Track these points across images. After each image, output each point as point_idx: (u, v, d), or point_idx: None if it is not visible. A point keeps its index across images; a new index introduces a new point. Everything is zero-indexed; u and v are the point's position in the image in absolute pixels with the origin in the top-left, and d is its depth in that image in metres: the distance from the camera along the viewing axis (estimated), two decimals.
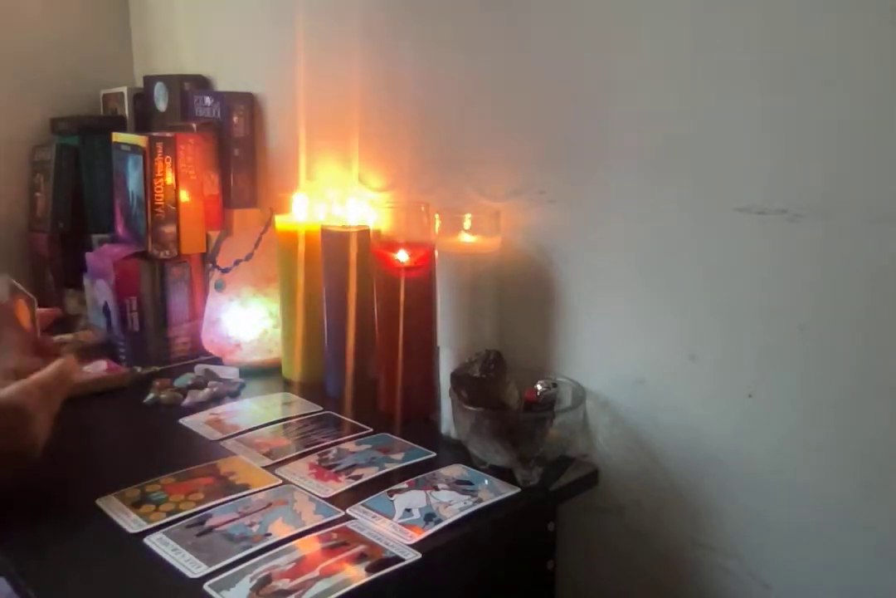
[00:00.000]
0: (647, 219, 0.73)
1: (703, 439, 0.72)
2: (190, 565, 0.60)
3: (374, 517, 0.67)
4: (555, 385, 0.74)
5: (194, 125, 1.13)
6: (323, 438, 0.83)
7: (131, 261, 1.05)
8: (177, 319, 1.08)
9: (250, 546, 0.62)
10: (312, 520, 0.67)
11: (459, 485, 0.73)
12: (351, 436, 0.83)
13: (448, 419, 0.81)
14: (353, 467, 0.76)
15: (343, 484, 0.73)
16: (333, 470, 0.75)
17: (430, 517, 0.67)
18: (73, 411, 0.81)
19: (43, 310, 0.91)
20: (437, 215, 0.82)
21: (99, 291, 1.08)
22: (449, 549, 0.64)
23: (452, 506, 0.69)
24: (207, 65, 1.25)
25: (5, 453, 0.65)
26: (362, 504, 0.69)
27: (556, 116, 0.78)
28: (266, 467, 0.76)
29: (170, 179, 1.05)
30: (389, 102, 0.96)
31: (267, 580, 0.58)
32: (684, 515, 0.74)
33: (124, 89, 1.30)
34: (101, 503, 0.69)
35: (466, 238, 0.81)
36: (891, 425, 0.61)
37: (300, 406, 0.92)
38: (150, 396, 0.94)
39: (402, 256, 0.85)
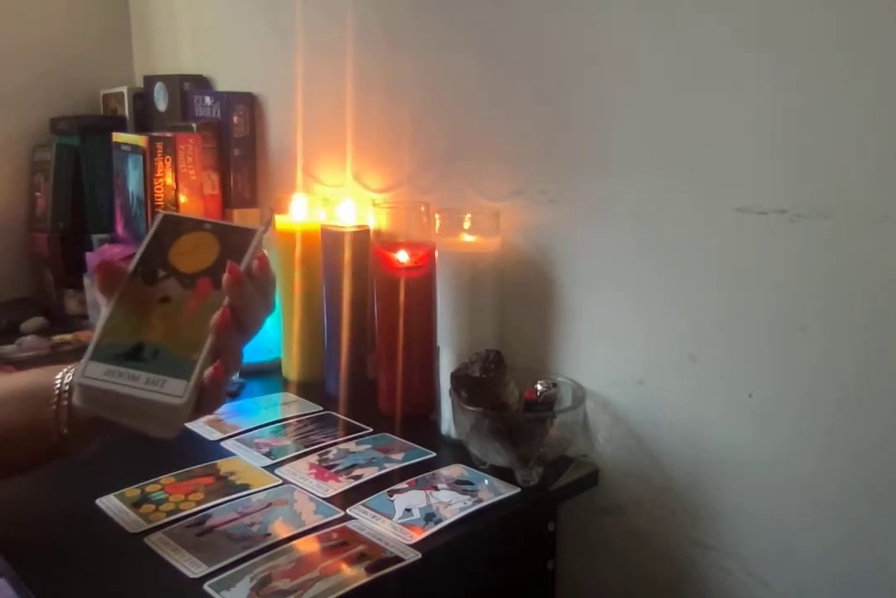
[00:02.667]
0: (647, 219, 0.73)
1: (702, 439, 0.72)
2: (190, 565, 0.60)
3: (374, 517, 0.67)
4: (555, 385, 0.74)
5: (194, 125, 1.13)
6: (323, 438, 0.83)
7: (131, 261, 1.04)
8: None
9: (250, 546, 0.62)
10: (312, 520, 0.67)
11: (459, 485, 0.73)
12: (351, 436, 0.83)
13: (448, 419, 0.81)
14: (353, 467, 0.76)
15: (343, 484, 0.73)
16: (333, 470, 0.75)
17: (430, 517, 0.67)
18: None
19: None
20: (437, 215, 0.82)
21: None
22: (449, 549, 0.64)
23: (452, 506, 0.69)
24: (207, 65, 1.25)
25: None
26: (362, 504, 0.69)
27: (556, 116, 0.78)
28: (266, 467, 0.76)
29: (170, 179, 1.05)
30: (389, 102, 0.96)
31: (267, 580, 0.58)
32: (684, 515, 0.74)
33: (124, 89, 1.30)
34: (101, 502, 0.69)
35: (466, 238, 0.81)
36: (891, 425, 0.61)
37: (300, 406, 0.92)
38: None
39: (403, 256, 0.85)
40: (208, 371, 0.52)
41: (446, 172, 0.90)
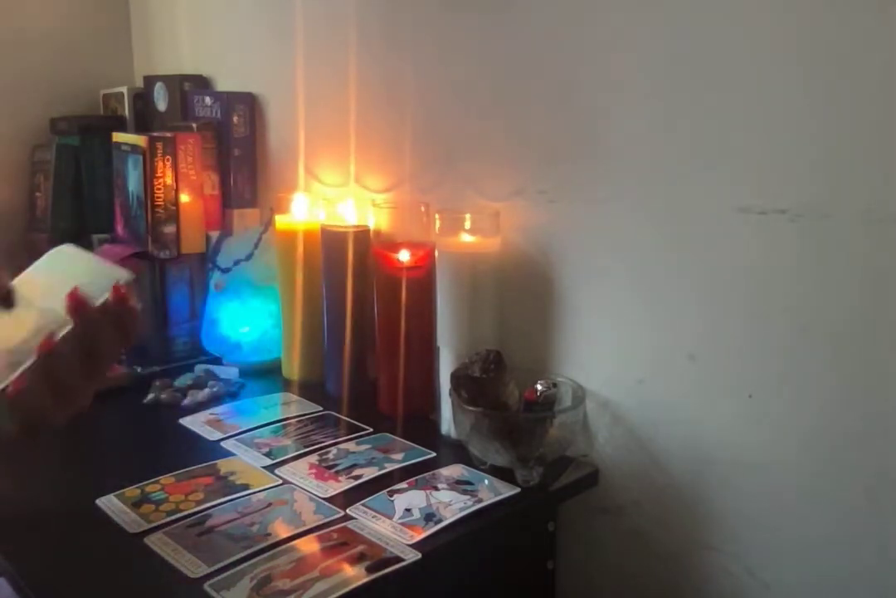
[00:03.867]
0: (647, 219, 0.73)
1: (702, 439, 0.72)
2: (190, 565, 0.60)
3: (374, 517, 0.67)
4: (555, 385, 0.74)
5: (194, 125, 1.13)
6: (323, 438, 0.83)
7: (131, 261, 1.04)
8: (177, 319, 1.08)
9: (250, 546, 0.62)
10: (312, 520, 0.67)
11: (459, 485, 0.73)
12: (351, 436, 0.83)
13: (448, 419, 0.81)
14: (353, 467, 0.76)
15: (343, 484, 0.73)
16: (333, 470, 0.75)
17: (430, 517, 0.67)
18: None
19: None
20: (437, 215, 0.82)
21: None
22: (449, 549, 0.64)
23: (452, 506, 0.69)
24: (207, 65, 1.25)
25: None
26: (362, 504, 0.69)
27: (556, 117, 0.78)
28: (266, 467, 0.76)
29: (170, 179, 1.05)
30: (389, 102, 0.96)
31: (267, 580, 0.58)
32: (684, 515, 0.74)
33: (124, 89, 1.30)
34: (101, 503, 0.69)
35: (466, 238, 0.81)
36: (891, 425, 0.61)
37: (300, 406, 0.92)
38: (150, 396, 0.94)
39: (403, 256, 0.85)
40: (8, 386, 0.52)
41: (446, 172, 0.90)
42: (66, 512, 0.69)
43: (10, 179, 1.30)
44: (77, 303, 0.54)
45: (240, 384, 0.99)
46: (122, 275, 0.57)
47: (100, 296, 0.55)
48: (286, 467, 0.76)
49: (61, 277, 0.57)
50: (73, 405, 0.56)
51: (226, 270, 1.04)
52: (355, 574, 0.59)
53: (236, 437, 0.83)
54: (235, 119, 1.13)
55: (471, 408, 0.72)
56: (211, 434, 0.84)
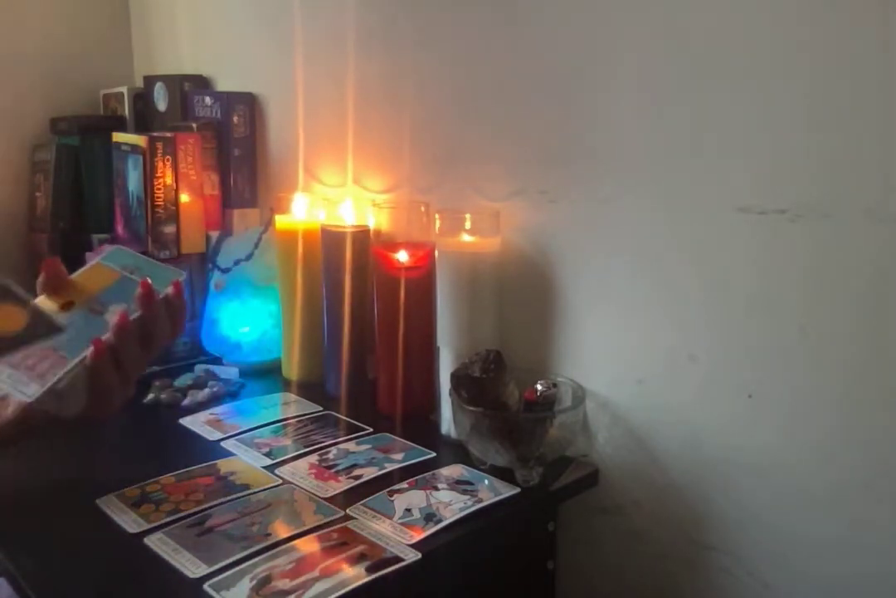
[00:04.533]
0: (647, 219, 0.73)
1: (702, 439, 0.72)
2: (190, 565, 0.60)
3: (374, 517, 0.67)
4: (555, 385, 0.74)
5: (194, 125, 1.13)
6: (323, 438, 0.83)
7: None
8: None
9: (250, 546, 0.62)
10: (312, 520, 0.67)
11: (459, 485, 0.73)
12: (351, 436, 0.83)
13: (448, 419, 0.81)
14: (353, 467, 0.76)
15: (343, 484, 0.73)
16: (333, 470, 0.75)
17: (430, 517, 0.67)
18: None
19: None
20: (437, 215, 0.82)
21: None
22: (449, 549, 0.64)
23: (452, 506, 0.69)
24: (207, 65, 1.25)
25: None
26: (362, 504, 0.69)
27: (556, 117, 0.78)
28: (266, 467, 0.76)
29: (170, 179, 1.05)
30: (390, 102, 0.96)
31: (267, 580, 0.58)
32: (684, 515, 0.74)
33: (124, 89, 1.30)
34: (101, 503, 0.69)
35: (466, 238, 0.81)
36: (891, 425, 0.61)
37: (300, 406, 0.92)
38: (150, 396, 0.94)
39: (402, 256, 0.85)
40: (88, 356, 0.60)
41: (446, 172, 0.90)
42: (66, 512, 0.69)
43: (10, 179, 1.30)
44: (147, 293, 0.62)
45: (240, 384, 0.99)
46: (178, 273, 0.67)
47: (161, 290, 0.63)
48: (286, 467, 0.76)
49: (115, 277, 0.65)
50: (128, 385, 0.63)
51: (226, 270, 1.04)
52: (355, 574, 0.59)
53: (236, 437, 0.83)
54: (235, 119, 1.13)
55: (471, 408, 0.72)
56: (211, 434, 0.84)
